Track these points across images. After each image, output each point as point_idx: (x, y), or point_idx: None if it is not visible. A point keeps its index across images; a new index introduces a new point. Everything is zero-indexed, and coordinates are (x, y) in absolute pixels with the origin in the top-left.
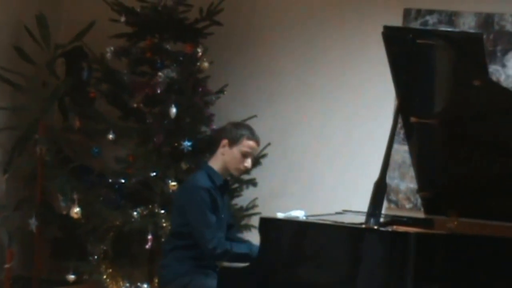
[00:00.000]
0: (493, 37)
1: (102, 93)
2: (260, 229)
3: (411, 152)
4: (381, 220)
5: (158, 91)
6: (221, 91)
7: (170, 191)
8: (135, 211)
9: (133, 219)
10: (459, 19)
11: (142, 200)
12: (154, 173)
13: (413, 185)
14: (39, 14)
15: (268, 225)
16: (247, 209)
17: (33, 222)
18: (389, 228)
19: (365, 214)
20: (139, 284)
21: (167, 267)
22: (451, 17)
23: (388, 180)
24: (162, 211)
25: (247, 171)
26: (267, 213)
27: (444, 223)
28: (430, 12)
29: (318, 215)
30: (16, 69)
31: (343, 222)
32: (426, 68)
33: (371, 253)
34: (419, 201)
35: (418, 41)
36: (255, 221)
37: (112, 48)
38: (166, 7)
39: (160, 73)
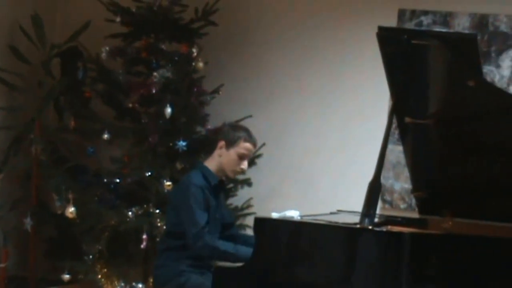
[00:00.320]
0: (487, 37)
1: (97, 93)
2: (255, 229)
3: (406, 152)
4: (376, 220)
5: (154, 91)
6: (216, 91)
7: (165, 191)
8: (130, 211)
9: (128, 219)
10: (454, 19)
11: (137, 200)
12: (149, 173)
13: (407, 185)
14: (34, 14)
15: (263, 225)
16: (242, 209)
17: (28, 222)
18: (384, 228)
19: (359, 214)
20: (134, 283)
21: (161, 267)
22: (445, 17)
23: (382, 180)
24: (157, 211)
25: (242, 172)
26: (262, 213)
27: (439, 223)
28: (425, 12)
29: (313, 215)
30: (11, 69)
31: (337, 222)
32: (421, 69)
33: (365, 253)
34: (414, 201)
35: (412, 41)
36: (250, 221)
37: (107, 48)
38: (162, 7)
39: (155, 73)
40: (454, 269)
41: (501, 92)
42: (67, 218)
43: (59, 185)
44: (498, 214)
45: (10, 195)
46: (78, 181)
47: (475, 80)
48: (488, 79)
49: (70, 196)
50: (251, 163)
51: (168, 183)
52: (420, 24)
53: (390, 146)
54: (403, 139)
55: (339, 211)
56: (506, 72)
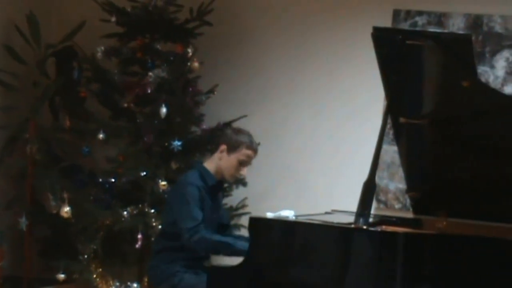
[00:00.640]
0: (481, 38)
1: (92, 93)
2: (250, 228)
3: (400, 152)
4: (370, 220)
5: (149, 91)
6: (211, 91)
7: (160, 190)
8: (125, 210)
9: (123, 219)
10: (448, 20)
11: (132, 199)
12: (144, 173)
13: (402, 185)
14: (29, 13)
15: (258, 225)
16: (237, 208)
17: (23, 221)
18: (378, 228)
19: (354, 214)
20: (129, 283)
21: (156, 267)
22: (440, 18)
23: (377, 180)
24: (152, 211)
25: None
26: (256, 213)
27: (433, 223)
28: (420, 13)
29: (308, 215)
30: (6, 69)
31: (332, 222)
32: (415, 69)
33: (360, 253)
34: (408, 201)
35: (407, 42)
36: (244, 220)
37: (102, 48)
38: (157, 7)
39: (150, 73)
40: (448, 269)
41: (495, 93)
42: (62, 217)
43: (54, 185)
44: (492, 214)
45: (5, 195)
46: (73, 180)
47: (470, 80)
48: (483, 79)
49: (65, 195)
50: None
51: (163, 183)
52: (414, 24)
53: (384, 146)
54: (398, 139)
55: (334, 211)
56: (500, 73)
